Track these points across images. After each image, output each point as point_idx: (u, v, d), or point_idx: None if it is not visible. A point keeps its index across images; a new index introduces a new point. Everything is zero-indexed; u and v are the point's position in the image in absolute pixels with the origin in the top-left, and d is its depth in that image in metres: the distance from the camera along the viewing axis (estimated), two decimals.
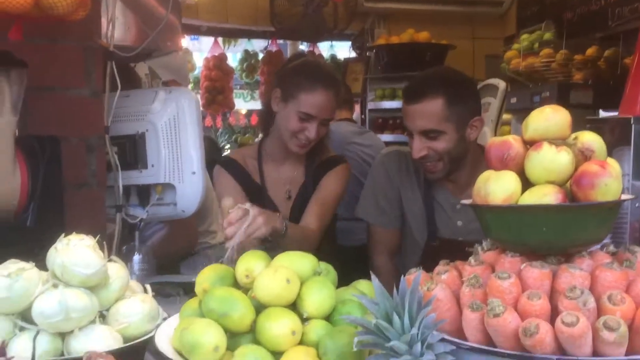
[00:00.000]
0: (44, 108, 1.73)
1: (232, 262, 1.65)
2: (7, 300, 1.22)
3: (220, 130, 7.66)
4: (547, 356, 1.06)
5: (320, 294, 1.18)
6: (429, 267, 1.75)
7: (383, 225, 2.26)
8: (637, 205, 1.59)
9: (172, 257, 2.34)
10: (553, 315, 1.10)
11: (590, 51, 3.49)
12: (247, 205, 1.77)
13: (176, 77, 2.58)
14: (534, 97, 3.61)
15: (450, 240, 2.11)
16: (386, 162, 2.26)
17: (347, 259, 2.14)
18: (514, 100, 3.90)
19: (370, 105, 5.40)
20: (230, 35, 5.96)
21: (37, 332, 1.17)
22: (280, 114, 2.22)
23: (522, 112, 3.87)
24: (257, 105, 10.73)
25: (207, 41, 6.47)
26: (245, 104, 10.31)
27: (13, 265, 1.26)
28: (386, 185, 2.23)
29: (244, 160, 2.33)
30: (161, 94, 2.08)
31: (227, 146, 5.86)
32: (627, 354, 1.06)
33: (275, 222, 1.83)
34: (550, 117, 1.20)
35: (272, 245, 1.91)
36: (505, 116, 4.46)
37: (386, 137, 5.00)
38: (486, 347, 1.12)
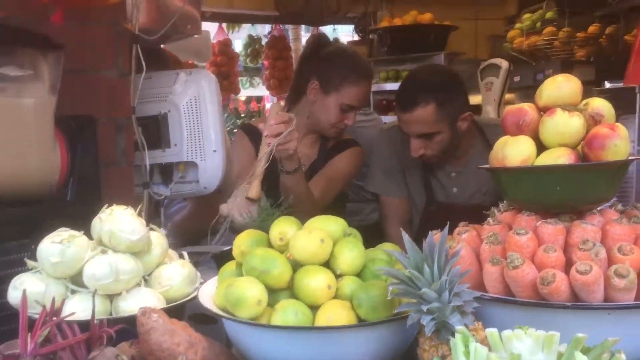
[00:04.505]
0: (76, 89, 1.80)
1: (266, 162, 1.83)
2: (60, 264, 1.32)
3: (225, 115, 7.74)
4: (562, 302, 1.16)
5: (351, 253, 1.28)
6: (427, 229, 1.94)
7: (393, 195, 2.43)
8: None
9: (196, 234, 2.43)
10: (567, 267, 1.20)
11: (592, 29, 3.57)
12: (293, 115, 1.91)
13: (196, 58, 2.65)
14: (537, 75, 3.70)
15: (446, 204, 2.33)
16: (388, 138, 2.45)
17: None
18: (517, 78, 3.99)
19: (374, 87, 5.45)
20: (235, 20, 6.02)
21: (95, 291, 1.26)
22: (319, 104, 2.31)
23: (526, 90, 3.96)
24: (255, 92, 10.75)
25: (210, 27, 6.53)
26: (244, 91, 10.34)
27: (64, 232, 1.35)
28: (391, 158, 2.41)
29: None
30: (182, 76, 2.16)
31: (235, 131, 5.92)
32: (635, 299, 1.16)
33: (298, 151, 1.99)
34: (562, 85, 1.29)
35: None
36: (508, 95, 4.55)
37: (390, 118, 5.08)
38: (506, 297, 1.22)
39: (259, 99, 12.11)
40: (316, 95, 2.31)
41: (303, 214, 2.22)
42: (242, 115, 6.61)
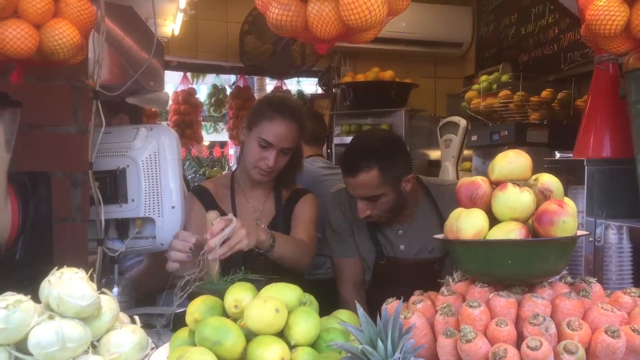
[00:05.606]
0: (32, 145, 1.78)
1: (214, 275, 1.74)
2: (5, 331, 1.27)
3: (186, 163, 7.68)
4: None
5: (306, 323, 1.27)
6: (378, 284, 1.83)
7: (345, 256, 2.46)
8: (590, 239, 1.74)
9: (150, 291, 2.38)
10: (519, 340, 1.22)
11: (545, 93, 3.70)
12: (231, 216, 1.85)
13: (157, 106, 2.65)
14: (493, 135, 3.79)
15: (395, 259, 2.38)
16: (337, 200, 2.49)
17: (314, 291, 2.25)
18: (474, 137, 4.09)
19: (337, 140, 5.54)
20: (200, 70, 6.07)
21: None
22: (245, 142, 2.35)
23: (482, 149, 4.06)
24: (220, 137, 10.77)
25: (175, 76, 6.55)
26: (208, 135, 10.35)
27: (10, 297, 1.31)
28: (341, 220, 2.46)
29: (215, 190, 2.41)
30: (142, 131, 2.15)
31: (195, 180, 5.88)
32: None
33: (259, 233, 1.93)
34: (513, 161, 1.33)
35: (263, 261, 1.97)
36: (467, 152, 4.67)
37: None
38: None
39: (223, 144, 12.11)
40: (244, 135, 2.35)
41: (303, 266, 2.16)
42: (205, 164, 6.56)
